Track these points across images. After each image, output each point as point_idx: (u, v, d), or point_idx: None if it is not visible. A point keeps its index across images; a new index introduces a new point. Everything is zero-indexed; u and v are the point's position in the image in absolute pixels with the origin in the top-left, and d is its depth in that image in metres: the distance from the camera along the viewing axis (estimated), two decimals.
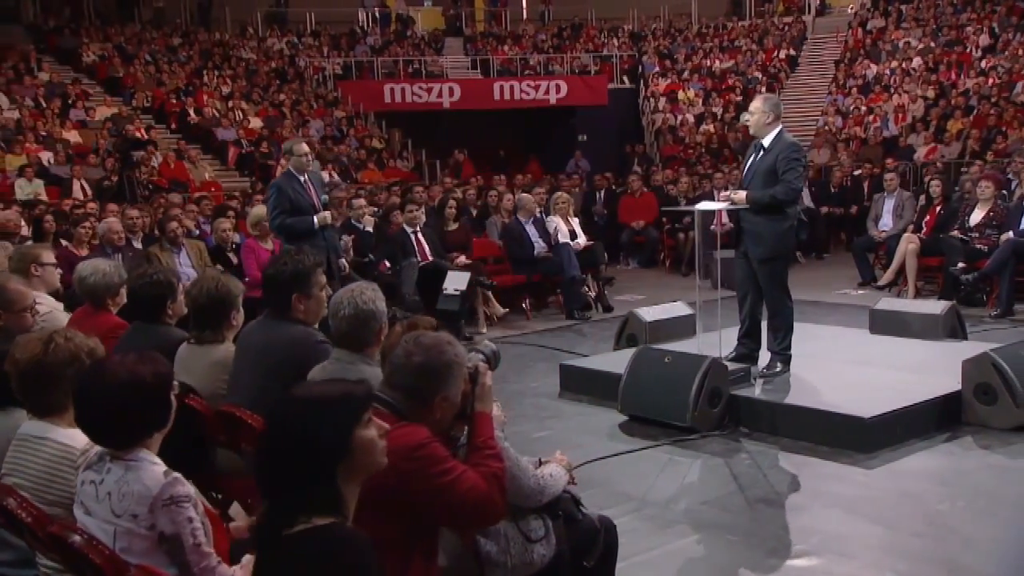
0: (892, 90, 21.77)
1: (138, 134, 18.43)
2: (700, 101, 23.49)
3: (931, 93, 20.85)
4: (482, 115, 23.17)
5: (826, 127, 20.91)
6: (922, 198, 10.97)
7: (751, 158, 6.55)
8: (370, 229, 9.10)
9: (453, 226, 9.83)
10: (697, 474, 5.38)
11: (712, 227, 11.96)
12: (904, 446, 5.55)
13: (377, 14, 27.65)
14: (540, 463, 3.49)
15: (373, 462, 2.18)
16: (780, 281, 6.49)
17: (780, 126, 6.48)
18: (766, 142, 6.41)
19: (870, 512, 4.69)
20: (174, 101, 20.40)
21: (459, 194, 11.48)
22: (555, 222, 10.12)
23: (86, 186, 15.66)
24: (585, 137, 23.66)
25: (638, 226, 13.18)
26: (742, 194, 6.38)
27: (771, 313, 6.54)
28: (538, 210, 10.51)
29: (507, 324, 9.57)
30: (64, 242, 9.16)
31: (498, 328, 9.38)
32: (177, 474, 2.62)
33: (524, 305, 9.90)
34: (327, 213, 7.10)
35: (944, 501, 4.80)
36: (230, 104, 20.81)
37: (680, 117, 22.74)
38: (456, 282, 3.12)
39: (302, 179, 7.15)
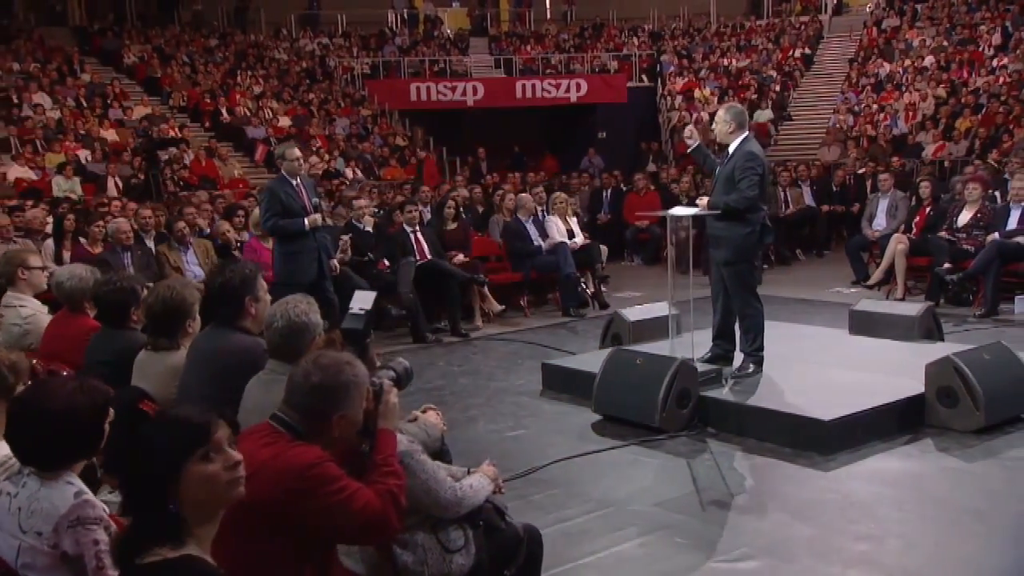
0: (904, 88, 21.42)
1: (172, 132, 18.59)
2: (715, 99, 23.23)
3: (942, 91, 20.47)
4: (503, 113, 23.15)
5: (837, 125, 20.61)
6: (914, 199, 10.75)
7: (719, 165, 6.46)
8: (370, 229, 9.04)
9: (452, 225, 9.79)
10: (658, 475, 5.28)
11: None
12: (864, 448, 5.45)
13: (405, 15, 27.61)
14: (468, 472, 3.46)
15: (217, 497, 2.09)
16: (745, 284, 6.41)
17: (744, 134, 6.38)
18: (730, 150, 6.35)
19: (819, 515, 4.63)
20: (208, 100, 20.50)
21: (462, 194, 11.40)
22: (553, 221, 10.03)
23: (119, 183, 15.81)
24: (605, 134, 23.57)
25: (642, 224, 13.05)
26: (704, 200, 6.34)
27: (740, 316, 6.47)
28: (539, 209, 10.44)
29: (505, 321, 9.53)
30: (82, 240, 9.26)
31: (495, 325, 9.36)
32: (89, 496, 2.59)
33: (522, 302, 9.85)
34: (317, 215, 7.08)
35: (893, 505, 4.71)
36: (261, 103, 20.89)
37: (695, 115, 22.50)
38: (362, 301, 3.05)
39: (294, 182, 7.13)
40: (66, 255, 9.15)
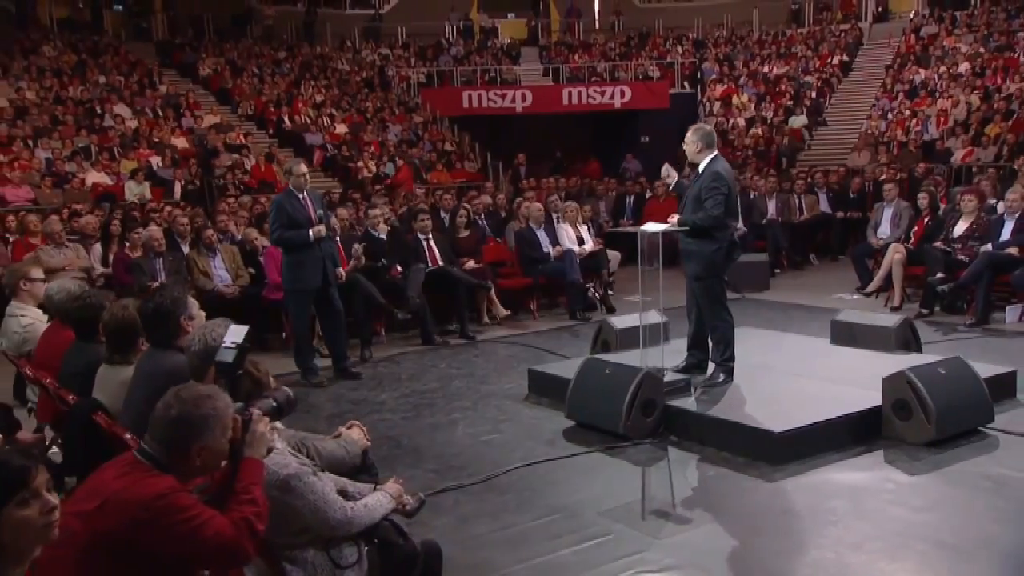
0: (937, 94, 20.75)
1: (239, 140, 18.91)
2: (752, 105, 22.83)
3: (976, 98, 19.78)
4: (551, 119, 23.04)
5: (868, 131, 20.06)
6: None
7: (691, 185, 6.34)
8: (384, 236, 9.05)
9: (464, 233, 9.79)
10: (611, 483, 5.20)
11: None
12: (816, 459, 5.30)
13: (461, 26, 27.63)
14: (376, 488, 3.44)
15: (29, 541, 2.05)
16: (715, 297, 6.29)
17: (712, 154, 6.28)
18: (700, 169, 6.24)
19: (750, 527, 4.53)
20: (272, 109, 20.78)
21: (485, 200, 11.36)
22: (564, 229, 9.94)
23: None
24: (648, 139, 23.28)
25: None
26: (675, 218, 6.26)
27: (710, 328, 6.35)
28: (555, 217, 10.35)
29: (513, 323, 9.49)
30: (127, 244, 9.46)
31: (502, 328, 9.32)
32: None
33: (531, 306, 9.79)
34: (321, 227, 7.11)
35: (826, 518, 4.57)
36: (321, 111, 21.11)
37: (732, 121, 22.14)
38: (234, 335, 3.01)
39: (301, 196, 7.17)
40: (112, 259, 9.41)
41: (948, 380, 5.58)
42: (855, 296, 10.02)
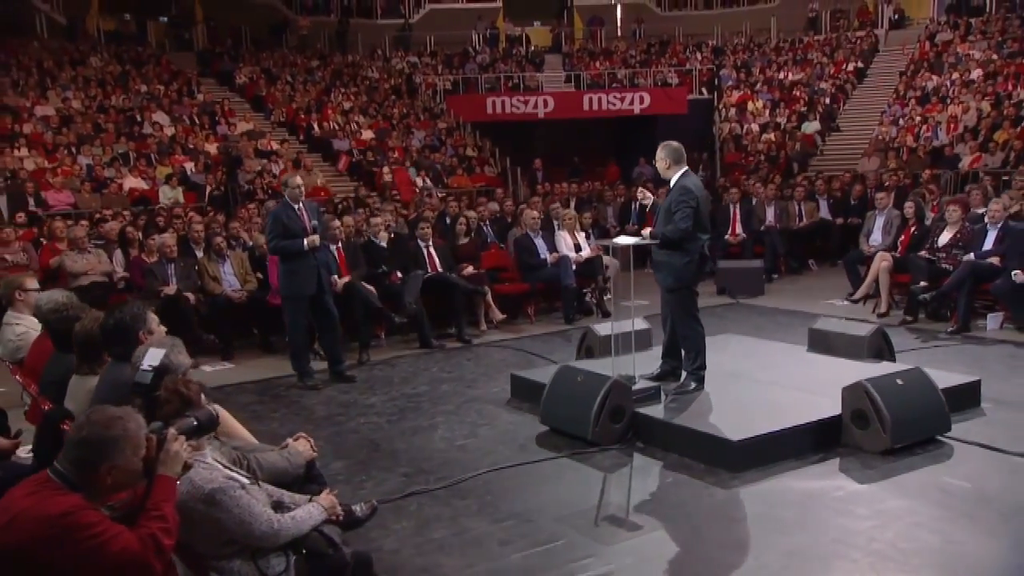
0: (949, 101, 20.40)
1: (271, 146, 19.08)
2: (767, 111, 22.61)
3: (986, 104, 19.42)
4: (572, 125, 22.98)
5: (879, 136, 19.77)
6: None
7: (664, 200, 6.33)
8: (384, 244, 9.10)
9: (464, 240, 9.82)
10: (572, 488, 5.20)
11: (727, 236, 11.65)
12: (774, 466, 5.28)
13: (487, 35, 27.64)
14: (311, 499, 3.47)
15: None
16: (686, 308, 6.28)
17: (682, 169, 6.28)
18: (671, 185, 6.21)
19: (697, 533, 4.53)
20: (303, 116, 20.94)
21: (492, 208, 11.38)
22: (561, 236, 9.93)
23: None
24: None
25: None
26: (647, 231, 6.23)
27: (681, 337, 6.34)
28: (556, 223, 10.35)
29: (509, 327, 9.49)
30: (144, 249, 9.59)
31: (498, 332, 9.34)
32: None
33: (528, 311, 9.80)
34: (315, 237, 7.17)
35: (770, 525, 4.56)
36: (349, 118, 21.22)
37: (746, 126, 21.95)
38: (151, 359, 3.06)
39: (296, 207, 7.23)
40: None
41: (905, 390, 5.52)
42: (844, 303, 9.89)
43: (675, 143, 6.35)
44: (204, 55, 24.47)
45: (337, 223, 8.84)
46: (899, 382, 5.57)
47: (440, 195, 16.83)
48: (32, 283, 5.63)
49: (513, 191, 19.24)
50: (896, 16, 26.39)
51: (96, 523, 2.53)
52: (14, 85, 19.69)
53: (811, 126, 21.23)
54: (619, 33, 29.04)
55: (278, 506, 3.38)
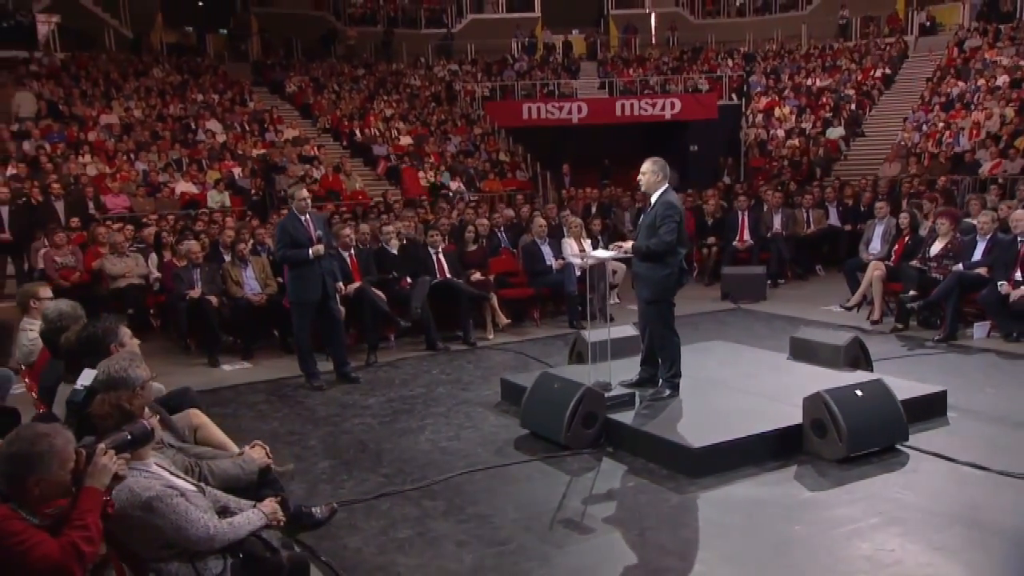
0: (973, 107, 19.89)
1: (313, 152, 19.36)
2: (793, 117, 22.29)
3: (1010, 110, 18.90)
4: (606, 130, 22.88)
5: (902, 142, 19.37)
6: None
7: (643, 213, 6.31)
8: (395, 251, 9.23)
9: (472, 247, 9.91)
10: (537, 491, 5.24)
11: (735, 243, 11.55)
12: (731, 473, 5.28)
13: (526, 43, 27.67)
14: (255, 506, 3.58)
15: None
16: (664, 319, 6.26)
17: (666, 185, 6.23)
18: (653, 199, 6.22)
19: (644, 538, 4.53)
20: (346, 123, 21.20)
21: (507, 214, 11.44)
22: (567, 243, 9.96)
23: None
24: (696, 147, 22.99)
25: None
26: (628, 244, 6.20)
27: (658, 347, 6.33)
28: (566, 230, 10.38)
29: (514, 331, 9.56)
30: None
31: (506, 334, 9.40)
32: None
33: (534, 315, 9.85)
34: (320, 246, 7.29)
35: (715, 531, 4.60)
36: (390, 124, 21.43)
37: (772, 132, 21.66)
38: (85, 379, 3.19)
39: (303, 218, 7.37)
40: None
41: (863, 401, 5.49)
42: (839, 309, 9.76)
43: (662, 160, 6.33)
44: (258, 65, 24.91)
45: (348, 231, 8.99)
46: (858, 393, 5.53)
47: (472, 198, 16.98)
48: (46, 292, 5.84)
49: (543, 195, 19.29)
50: (928, 23, 25.79)
51: (19, 532, 2.67)
52: (82, 96, 20.27)
53: (835, 132, 20.89)
54: (653, 41, 28.83)
55: (223, 511, 3.50)
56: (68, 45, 23.57)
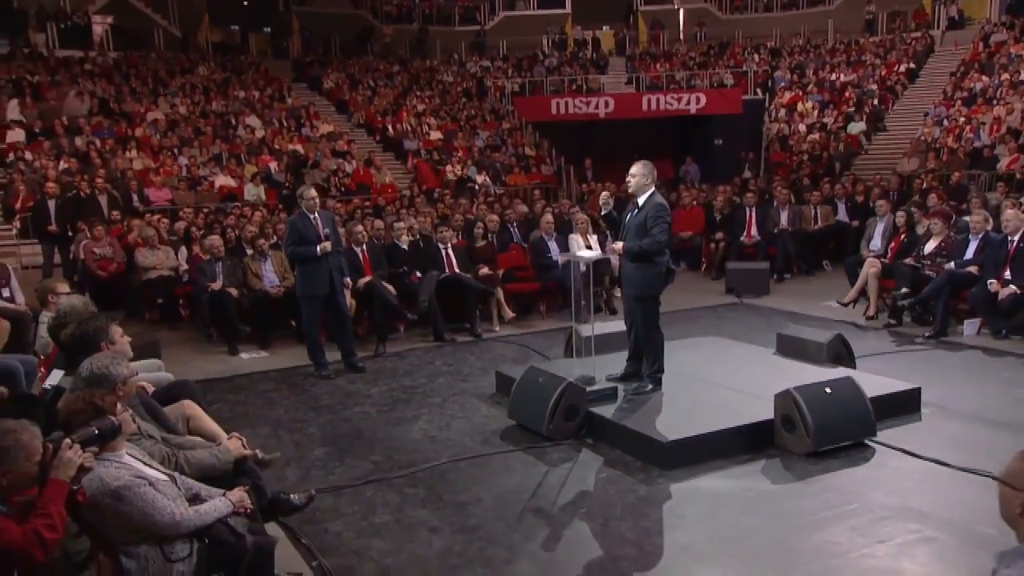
0: (995, 102, 19.45)
1: (346, 147, 19.59)
2: (815, 112, 21.98)
3: None
4: (633, 124, 22.79)
5: (922, 137, 19.02)
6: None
7: (629, 214, 6.35)
8: (405, 247, 9.37)
9: (481, 243, 10.00)
10: (514, 480, 5.33)
11: (743, 238, 11.51)
12: (701, 466, 5.34)
13: (557, 39, 27.60)
14: (224, 494, 3.73)
15: None
16: (651, 317, 6.33)
17: (653, 188, 6.27)
18: (640, 201, 6.28)
19: (605, 527, 4.59)
20: (379, 118, 21.39)
21: (520, 210, 11.52)
22: (574, 238, 10.01)
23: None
24: (721, 141, 22.81)
25: (685, 236, 12.73)
26: (619, 245, 6.26)
27: (644, 343, 6.38)
28: (574, 225, 10.43)
29: (521, 323, 9.66)
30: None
31: (509, 327, 9.50)
32: None
33: (541, 308, 9.94)
34: (327, 243, 7.44)
35: (674, 522, 4.65)
36: (421, 119, 21.57)
37: (794, 127, 21.40)
38: (53, 379, 3.35)
39: (311, 217, 7.53)
40: None
41: (832, 398, 5.51)
42: (837, 305, 9.69)
43: (651, 163, 6.38)
44: (298, 62, 25.21)
45: (360, 228, 9.15)
46: (827, 390, 5.55)
47: (498, 192, 17.05)
48: (63, 287, 6.08)
49: (566, 189, 19.32)
50: (956, 16, 25.20)
51: None
52: (132, 93, 20.72)
53: (856, 127, 20.58)
54: (681, 36, 28.58)
55: (195, 499, 3.66)
56: (121, 45, 24.09)
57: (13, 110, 18.42)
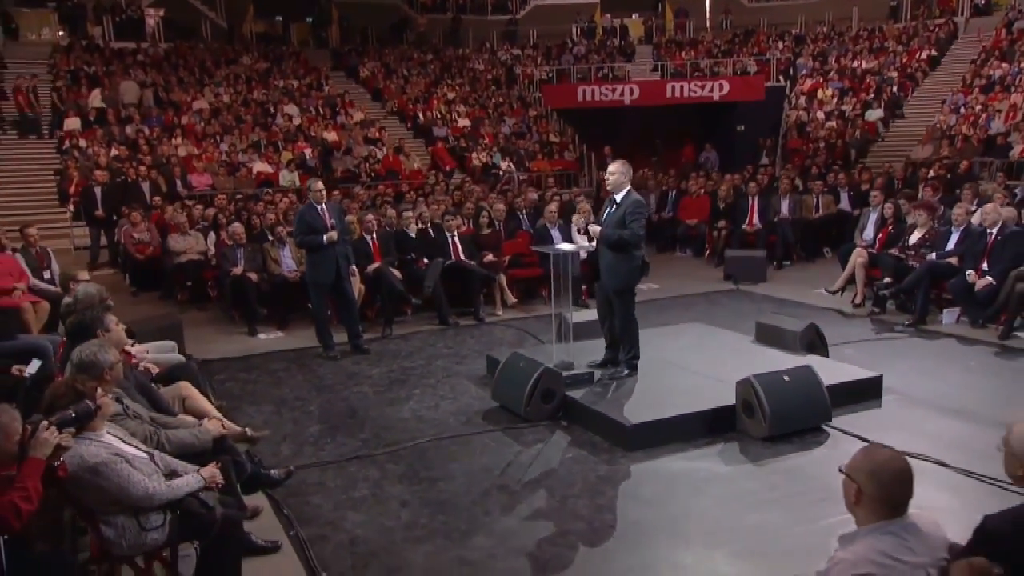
0: (1013, 89, 18.98)
1: (377, 135, 19.81)
2: (835, 99, 21.64)
3: None
4: (657, 112, 22.63)
5: (938, 125, 18.66)
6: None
7: (606, 211, 6.46)
8: (413, 235, 9.56)
9: (486, 231, 10.15)
10: (486, 459, 5.50)
11: (744, 226, 11.52)
12: (662, 448, 5.51)
13: (585, 27, 27.46)
14: (198, 471, 3.98)
15: None
16: (628, 308, 6.48)
17: (629, 186, 6.39)
18: (618, 198, 6.39)
19: (561, 505, 4.78)
20: (411, 106, 21.57)
21: (531, 198, 11.65)
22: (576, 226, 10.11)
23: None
24: (743, 128, 22.56)
25: (691, 223, 12.74)
26: (597, 228, 6.36)
27: (620, 331, 6.51)
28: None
29: (524, 308, 9.82)
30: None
31: (511, 311, 9.66)
32: None
33: (544, 293, 10.08)
34: (333, 233, 7.65)
35: (625, 499, 4.84)
36: (451, 107, 21.68)
37: (812, 114, 21.10)
38: (32, 368, 3.57)
39: (319, 208, 7.76)
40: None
41: (789, 386, 5.64)
42: (826, 293, 9.69)
43: (628, 163, 6.48)
44: (336, 52, 25.45)
45: (371, 217, 9.37)
46: (786, 378, 5.66)
47: (521, 178, 17.17)
48: (83, 275, 6.41)
49: (588, 176, 19.35)
50: (982, 2, 24.52)
51: None
52: (180, 83, 21.16)
53: (874, 114, 20.25)
54: (708, 24, 28.24)
55: (171, 474, 3.91)
56: (171, 36, 24.57)
57: (95, 98, 19.05)
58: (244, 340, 8.83)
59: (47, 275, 8.75)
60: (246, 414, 6.46)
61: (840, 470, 2.55)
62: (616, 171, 6.44)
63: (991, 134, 17.23)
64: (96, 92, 18.97)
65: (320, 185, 7.84)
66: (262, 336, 8.92)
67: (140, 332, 7.28)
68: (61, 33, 25.28)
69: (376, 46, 26.03)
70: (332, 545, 4.45)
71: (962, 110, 19.08)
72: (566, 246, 6.54)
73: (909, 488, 2.45)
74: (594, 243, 6.57)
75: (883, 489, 2.43)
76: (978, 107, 18.75)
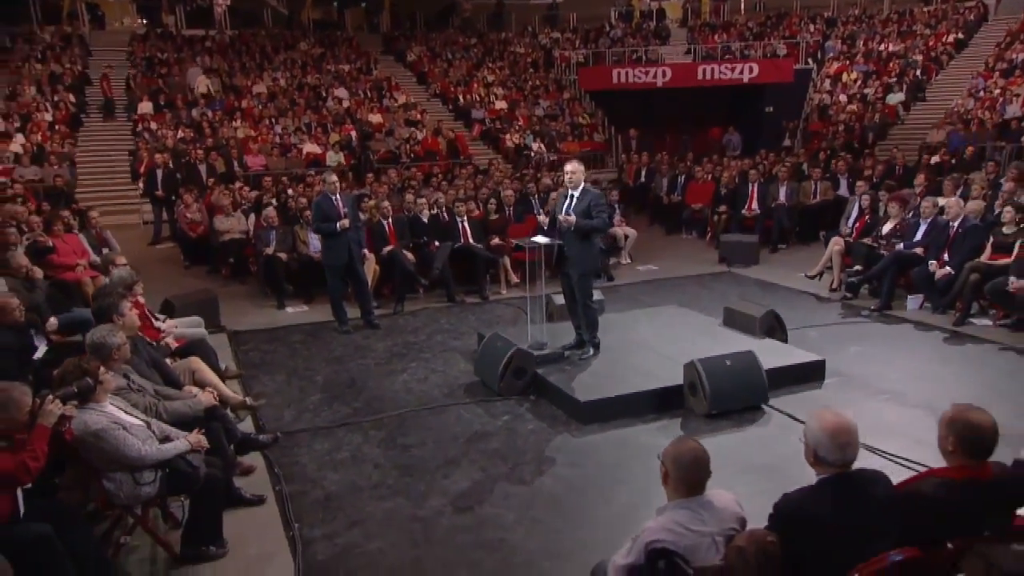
0: None
1: (418, 117, 20.19)
2: (859, 82, 21.20)
3: None
4: (684, 93, 22.49)
5: (956, 108, 18.22)
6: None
7: (565, 203, 6.70)
8: (425, 219, 9.96)
9: (495, 216, 10.48)
10: (457, 429, 5.87)
11: (743, 211, 11.64)
12: (614, 422, 5.84)
13: (623, 11, 27.26)
14: (185, 437, 4.49)
15: None
16: (588, 291, 6.80)
17: (584, 183, 6.66)
18: (576, 193, 6.63)
19: (515, 469, 5.18)
20: (453, 89, 21.86)
21: (545, 183, 11.93)
22: None
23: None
24: (772, 109, 22.29)
25: (696, 207, 12.86)
26: (572, 217, 6.60)
27: (582, 314, 6.83)
28: None
29: (525, 287, 10.10)
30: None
31: (515, 291, 10.00)
32: None
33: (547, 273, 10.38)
34: (345, 220, 8.10)
35: (570, 466, 5.18)
36: (490, 90, 21.90)
37: (835, 97, 20.74)
38: (39, 352, 4.03)
39: (334, 198, 8.21)
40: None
41: (730, 368, 5.92)
42: (806, 277, 9.80)
43: (582, 161, 6.78)
44: (387, 37, 25.83)
45: (386, 203, 9.80)
46: (727, 362, 5.94)
47: (551, 158, 17.37)
48: (121, 260, 6.97)
49: (615, 157, 19.45)
50: None
51: None
52: (242, 68, 21.84)
53: (895, 97, 19.83)
54: (742, 7, 27.73)
55: (165, 439, 4.44)
56: (236, 24, 25.26)
57: (202, 84, 19.89)
58: (273, 313, 9.39)
59: (105, 250, 9.44)
60: (260, 382, 7.01)
61: (657, 456, 2.91)
62: (575, 170, 6.72)
63: (1006, 118, 16.79)
64: (202, 78, 19.78)
65: (334, 178, 8.27)
66: (289, 310, 9.46)
67: (180, 305, 7.92)
68: (140, 22, 26.21)
69: (424, 31, 26.29)
70: (309, 500, 4.95)
71: (981, 94, 18.57)
72: (540, 239, 6.85)
73: (705, 471, 2.81)
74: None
75: (683, 471, 2.81)
76: (996, 91, 18.22)
